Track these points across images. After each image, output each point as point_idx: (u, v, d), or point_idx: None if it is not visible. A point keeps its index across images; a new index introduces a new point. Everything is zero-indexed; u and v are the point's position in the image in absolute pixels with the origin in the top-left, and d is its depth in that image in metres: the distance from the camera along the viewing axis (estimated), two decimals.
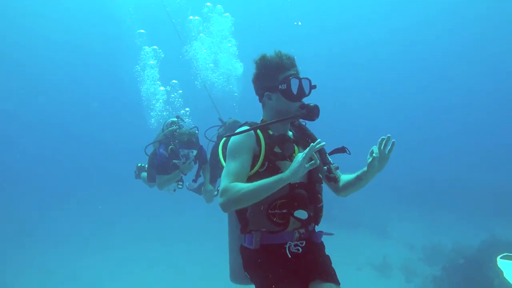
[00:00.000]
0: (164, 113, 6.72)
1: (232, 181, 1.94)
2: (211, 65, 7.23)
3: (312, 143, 1.85)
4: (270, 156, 2.04)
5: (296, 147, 2.14)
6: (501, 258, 1.46)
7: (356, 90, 29.99)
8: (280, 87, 2.10)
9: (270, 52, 2.18)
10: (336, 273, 2.21)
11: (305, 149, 2.06)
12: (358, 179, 2.16)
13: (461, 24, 25.50)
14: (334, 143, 2.31)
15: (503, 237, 9.62)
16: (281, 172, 1.94)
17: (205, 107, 5.84)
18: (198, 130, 5.13)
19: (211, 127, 5.53)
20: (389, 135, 1.99)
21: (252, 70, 2.26)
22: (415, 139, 27.31)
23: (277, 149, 2.08)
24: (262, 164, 2.03)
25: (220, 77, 7.09)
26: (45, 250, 11.39)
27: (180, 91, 6.99)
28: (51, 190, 19.96)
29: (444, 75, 28.50)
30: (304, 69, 2.26)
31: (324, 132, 2.40)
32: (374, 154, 2.01)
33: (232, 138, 2.10)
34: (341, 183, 2.29)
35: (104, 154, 26.36)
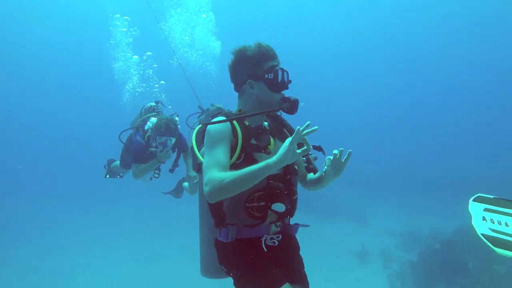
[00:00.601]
0: (138, 90, 6.37)
1: (217, 170, 1.86)
2: (187, 38, 6.94)
3: (299, 127, 1.75)
4: (246, 147, 1.99)
5: (272, 139, 2.08)
6: (473, 200, 1.38)
7: (335, 78, 30.11)
8: (266, 76, 2.06)
9: (249, 42, 2.14)
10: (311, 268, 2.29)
11: (281, 140, 2.09)
12: (319, 180, 2.20)
13: (445, 11, 25.76)
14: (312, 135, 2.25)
15: None
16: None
17: (182, 83, 5.53)
18: (178, 117, 4.86)
19: (192, 114, 5.31)
20: (342, 148, 2.03)
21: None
22: (392, 127, 27.78)
23: (253, 141, 2.03)
24: (239, 156, 1.97)
25: (199, 52, 6.80)
26: (29, 245, 11.13)
27: (155, 65, 6.67)
28: (33, 184, 19.42)
29: (424, 64, 28.88)
30: (282, 54, 2.20)
31: (300, 123, 2.34)
32: (325, 167, 2.07)
33: (210, 127, 2.03)
34: (308, 178, 2.31)
35: (84, 147, 25.74)
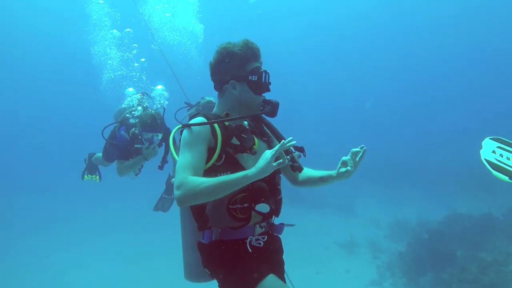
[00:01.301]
0: (118, 73, 6.03)
1: (190, 174, 1.79)
2: (167, 15, 6.61)
3: (283, 140, 1.71)
4: (227, 148, 1.94)
5: (256, 139, 2.04)
6: (490, 138, 1.52)
7: (319, 71, 30.04)
8: (250, 78, 2.02)
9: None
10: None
11: (262, 139, 2.13)
12: (322, 180, 2.16)
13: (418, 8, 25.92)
14: (293, 131, 2.15)
15: (463, 211, 9.96)
16: (240, 165, 1.91)
17: (165, 69, 5.22)
18: (164, 111, 4.65)
19: (181, 108, 4.97)
20: (363, 146, 1.98)
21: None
22: (379, 118, 27.96)
23: (234, 141, 1.98)
24: (219, 157, 1.92)
25: (184, 29, 6.50)
26: (19, 242, 10.99)
27: (135, 45, 6.33)
28: (20, 179, 19.01)
29: (405, 57, 29.09)
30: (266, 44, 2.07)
31: (281, 120, 2.24)
32: (348, 167, 1.99)
33: (187, 128, 1.96)
34: (300, 177, 2.28)
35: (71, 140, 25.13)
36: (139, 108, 4.58)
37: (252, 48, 2.04)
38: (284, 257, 2.25)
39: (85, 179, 5.76)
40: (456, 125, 25.57)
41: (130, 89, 4.53)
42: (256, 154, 1.95)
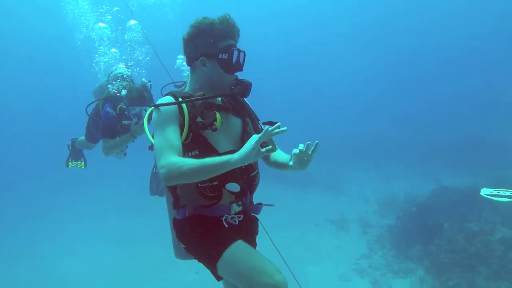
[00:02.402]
0: (92, 33, 5.65)
1: (171, 154, 1.82)
2: None
3: (268, 127, 1.67)
4: (192, 126, 1.93)
5: (218, 115, 1.95)
6: (485, 188, 2.29)
7: (296, 49, 29.77)
8: (220, 56, 1.98)
9: (214, 14, 1.99)
10: None
11: (236, 116, 2.12)
12: (284, 166, 2.15)
13: None
14: (274, 109, 2.05)
15: (450, 185, 10.14)
16: (208, 143, 1.93)
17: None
18: (151, 83, 4.38)
19: (168, 84, 4.63)
20: (308, 142, 1.91)
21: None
22: (364, 95, 28.06)
23: (199, 119, 1.95)
24: (187, 136, 1.93)
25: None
26: (7, 231, 10.97)
27: (116, 9, 5.96)
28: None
29: (394, 30, 28.99)
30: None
31: (256, 97, 2.17)
32: (291, 162, 1.98)
33: (155, 109, 1.97)
34: (271, 157, 2.29)
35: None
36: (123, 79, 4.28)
37: (230, 24, 1.99)
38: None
39: (69, 166, 5.53)
40: (443, 100, 25.84)
41: (122, 65, 4.27)
42: (218, 131, 1.93)
